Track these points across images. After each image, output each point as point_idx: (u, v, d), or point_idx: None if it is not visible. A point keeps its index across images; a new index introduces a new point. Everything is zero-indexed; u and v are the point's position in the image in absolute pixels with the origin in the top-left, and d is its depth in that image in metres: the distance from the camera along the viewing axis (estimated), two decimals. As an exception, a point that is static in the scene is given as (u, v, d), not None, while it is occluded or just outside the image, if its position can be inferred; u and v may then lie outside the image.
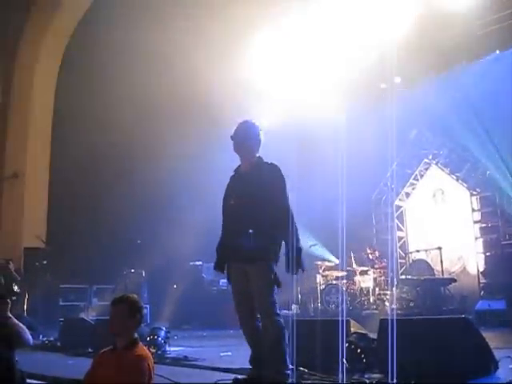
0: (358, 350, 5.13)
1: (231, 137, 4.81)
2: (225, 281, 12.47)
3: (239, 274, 4.60)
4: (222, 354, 7.07)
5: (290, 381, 4.36)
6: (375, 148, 11.02)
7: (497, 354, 4.74)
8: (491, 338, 5.35)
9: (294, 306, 11.62)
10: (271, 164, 4.75)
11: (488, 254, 12.20)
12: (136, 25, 12.82)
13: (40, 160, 14.99)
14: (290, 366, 4.39)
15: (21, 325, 3.99)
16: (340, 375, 4.46)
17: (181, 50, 12.28)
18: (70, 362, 6.95)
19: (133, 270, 12.93)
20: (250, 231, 4.45)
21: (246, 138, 4.77)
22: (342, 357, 4.48)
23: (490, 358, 4.63)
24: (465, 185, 13.52)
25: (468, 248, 13.14)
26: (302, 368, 4.85)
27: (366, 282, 12.41)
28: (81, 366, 4.50)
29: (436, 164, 14.47)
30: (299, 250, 4.47)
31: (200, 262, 13.61)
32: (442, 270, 12.39)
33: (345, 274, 12.55)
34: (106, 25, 13.31)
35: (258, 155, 4.84)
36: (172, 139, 13.22)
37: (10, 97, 14.79)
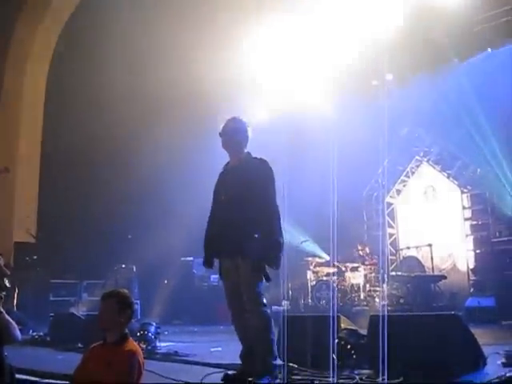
0: (348, 346, 5.15)
1: (219, 133, 4.84)
2: (216, 276, 12.62)
3: (231, 268, 4.61)
4: (212, 350, 7.06)
5: (275, 370, 4.38)
6: (367, 145, 11.05)
7: (485, 350, 4.77)
8: (480, 334, 5.38)
9: (284, 302, 11.64)
10: (260, 159, 4.77)
11: (478, 251, 12.25)
12: (127, 20, 12.78)
13: (30, 155, 14.94)
14: (277, 358, 4.41)
15: (11, 320, 3.96)
16: (330, 371, 4.47)
17: (175, 42, 12.24)
18: (60, 357, 6.93)
19: (123, 266, 12.88)
20: (240, 225, 4.46)
21: (233, 134, 4.79)
22: (332, 353, 4.49)
23: (479, 354, 4.66)
24: (456, 182, 13.58)
25: (458, 245, 13.21)
26: (291, 364, 4.87)
27: (356, 278, 12.45)
28: (71, 360, 4.50)
29: (427, 161, 14.52)
30: (280, 244, 4.46)
31: (191, 258, 13.59)
32: (433, 267, 12.46)
33: (335, 270, 12.57)
34: (95, 20, 13.27)
35: (246, 151, 4.86)
36: (164, 134, 13.19)
37: (0, 88, 14.73)
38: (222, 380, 4.50)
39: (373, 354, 4.55)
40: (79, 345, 7.31)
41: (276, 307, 9.89)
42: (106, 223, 13.71)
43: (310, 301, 12.34)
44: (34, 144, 15.12)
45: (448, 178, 13.82)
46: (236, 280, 4.55)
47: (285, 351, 4.39)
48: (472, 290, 11.90)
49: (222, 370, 4.99)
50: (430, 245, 12.51)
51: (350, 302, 12.18)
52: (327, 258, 13.10)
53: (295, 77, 12.14)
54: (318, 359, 4.82)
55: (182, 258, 13.73)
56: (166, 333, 8.51)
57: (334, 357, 4.53)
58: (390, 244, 14.79)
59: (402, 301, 11.45)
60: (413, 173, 14.99)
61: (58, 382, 4.86)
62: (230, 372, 4.67)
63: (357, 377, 4.61)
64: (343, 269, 12.52)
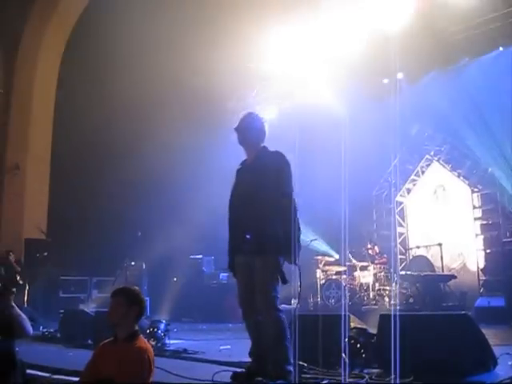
0: (358, 345, 5.13)
1: (235, 129, 4.73)
2: (225, 275, 12.65)
3: (245, 267, 4.52)
4: (221, 348, 7.06)
5: (291, 377, 4.31)
6: (377, 143, 11.03)
7: (496, 350, 4.76)
8: (490, 335, 5.36)
9: (293, 301, 11.61)
10: (275, 152, 4.66)
11: (488, 251, 12.17)
12: (139, 15, 12.81)
13: (41, 152, 15.03)
14: (292, 362, 4.35)
15: (23, 315, 4.00)
16: (340, 370, 4.46)
17: (183, 40, 12.29)
18: (70, 353, 6.97)
19: (133, 263, 12.92)
20: (257, 223, 4.38)
21: (249, 129, 4.69)
22: (342, 352, 4.48)
23: (490, 355, 4.64)
24: (466, 182, 13.51)
25: (468, 245, 13.14)
26: (301, 362, 4.86)
27: (365, 277, 12.42)
28: (81, 357, 4.53)
29: (437, 160, 14.45)
30: (297, 237, 4.39)
31: (200, 256, 13.61)
32: (442, 267, 12.39)
33: (345, 269, 12.55)
34: (107, 17, 13.29)
35: (262, 145, 4.77)
36: (176, 131, 13.22)
37: (12, 87, 14.83)
38: (231, 378, 4.48)
39: (382, 353, 4.54)
40: (89, 341, 7.36)
41: (284, 305, 9.87)
42: (115, 220, 13.75)
43: (319, 299, 12.33)
44: (46, 138, 15.26)
45: (458, 177, 13.75)
46: (250, 278, 4.46)
47: (295, 350, 4.37)
48: (482, 289, 11.82)
49: (231, 368, 4.99)
50: (439, 244, 12.44)
51: (359, 300, 12.15)
52: (336, 256, 13.09)
53: (305, 75, 12.12)
54: (328, 358, 4.81)
55: (192, 256, 13.75)
56: (176, 330, 8.53)
57: (345, 356, 4.52)
58: (400, 243, 14.73)
59: (411, 300, 11.41)
60: (423, 172, 14.93)
61: (68, 378, 4.88)
62: (239, 370, 4.67)
63: (366, 376, 4.60)
64: (353, 262, 12.49)
